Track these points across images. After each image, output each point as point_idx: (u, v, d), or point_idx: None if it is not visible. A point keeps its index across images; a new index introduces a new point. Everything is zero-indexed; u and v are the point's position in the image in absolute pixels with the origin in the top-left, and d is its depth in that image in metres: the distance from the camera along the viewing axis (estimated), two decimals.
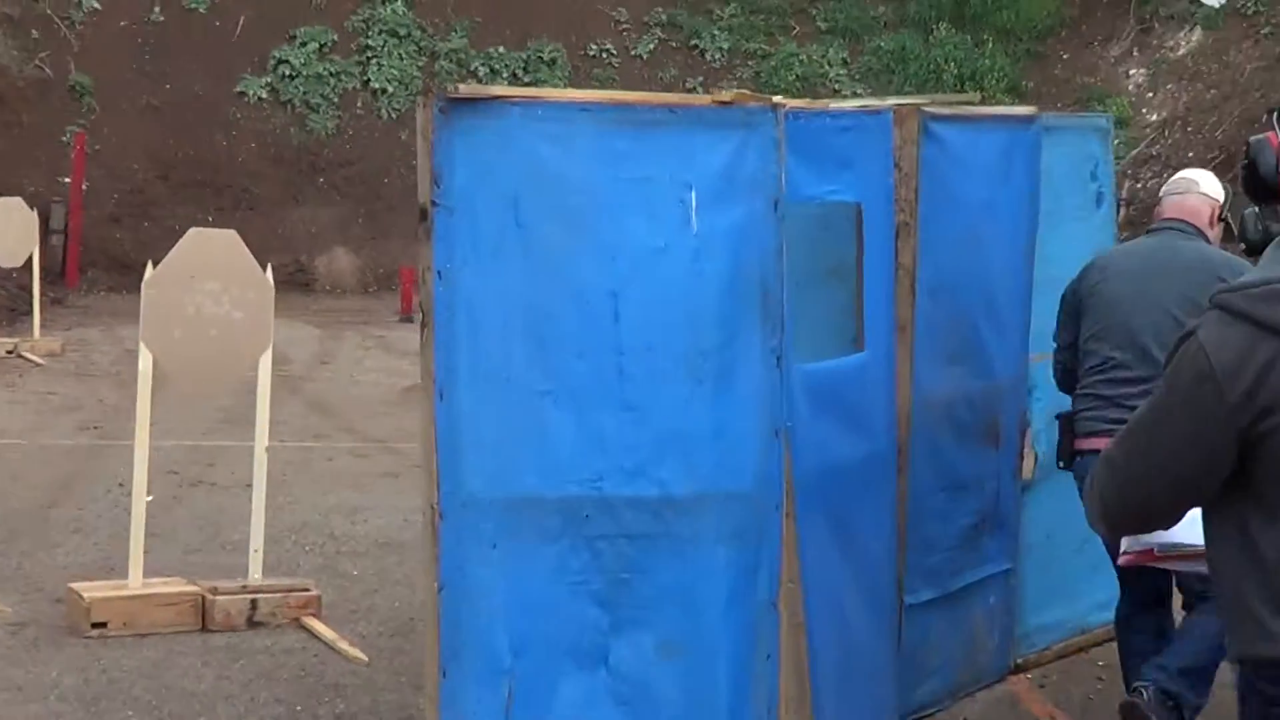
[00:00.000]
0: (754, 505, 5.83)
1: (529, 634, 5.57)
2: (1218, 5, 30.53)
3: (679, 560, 5.73)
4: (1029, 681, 7.59)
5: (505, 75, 29.07)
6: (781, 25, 32.19)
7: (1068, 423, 6.67)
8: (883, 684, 6.52)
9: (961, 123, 6.86)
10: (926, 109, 6.65)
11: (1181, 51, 30.75)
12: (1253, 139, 3.51)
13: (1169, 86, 30.13)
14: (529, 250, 5.52)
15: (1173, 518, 3.52)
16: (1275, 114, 3.51)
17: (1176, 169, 28.03)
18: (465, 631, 5.49)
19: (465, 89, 5.53)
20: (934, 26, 31.70)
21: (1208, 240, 6.62)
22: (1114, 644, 7.96)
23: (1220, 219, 6.69)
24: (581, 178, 5.58)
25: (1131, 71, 31.06)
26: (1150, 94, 30.21)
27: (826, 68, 31.08)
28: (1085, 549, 7.86)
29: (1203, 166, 27.50)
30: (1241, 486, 3.31)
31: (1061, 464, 6.70)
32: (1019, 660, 7.55)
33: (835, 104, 6.62)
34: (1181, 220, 6.64)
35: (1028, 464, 7.40)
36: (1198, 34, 30.76)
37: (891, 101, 6.76)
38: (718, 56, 31.28)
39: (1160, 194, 6.91)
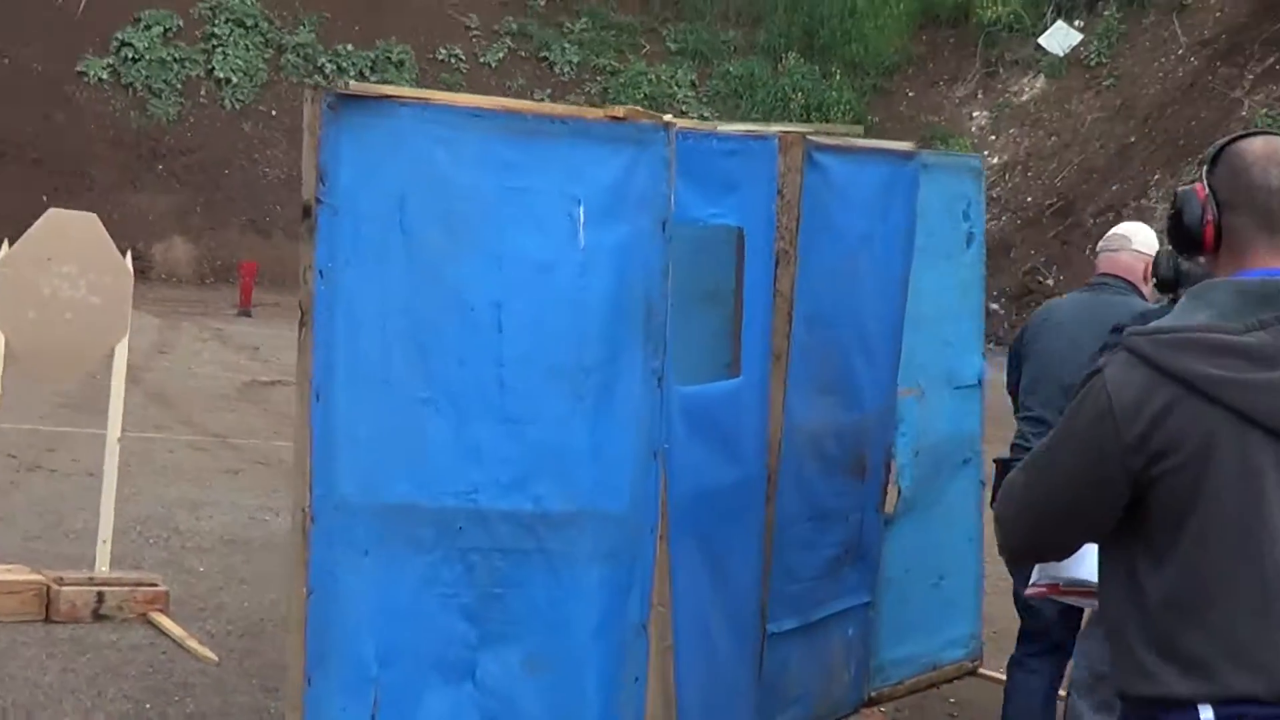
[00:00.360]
0: (629, 526, 5.78)
1: (397, 644, 5.46)
2: (1061, 54, 31.04)
3: (551, 577, 5.66)
4: (882, 715, 7.60)
5: (352, 73, 28.89)
6: (632, 43, 32.30)
7: (1004, 467, 6.69)
8: (744, 711, 6.49)
9: (844, 154, 6.86)
10: (811, 138, 6.63)
11: (1025, 97, 31.25)
12: (1180, 189, 3.56)
13: (1011, 131, 30.59)
14: (413, 254, 5.42)
15: (1063, 550, 3.63)
16: (1205, 166, 3.54)
17: (1015, 212, 28.57)
18: (332, 638, 5.37)
19: (356, 86, 5.42)
20: (783, 55, 31.98)
21: (1142, 295, 6.64)
22: (965, 681, 8.04)
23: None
24: (469, 184, 5.49)
25: (975, 113, 31.50)
26: (992, 137, 30.64)
27: (675, 88, 31.21)
28: (941, 585, 7.92)
29: (1040, 212, 28.08)
30: (1132, 529, 3.37)
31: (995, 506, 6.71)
32: (873, 693, 7.55)
33: (723, 126, 6.58)
34: (1114, 276, 6.68)
35: (890, 498, 7.41)
36: (1041, 81, 31.27)
37: (777, 128, 6.73)
38: (567, 70, 31.32)
39: (1097, 249, 6.95)
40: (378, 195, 5.35)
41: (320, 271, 5.28)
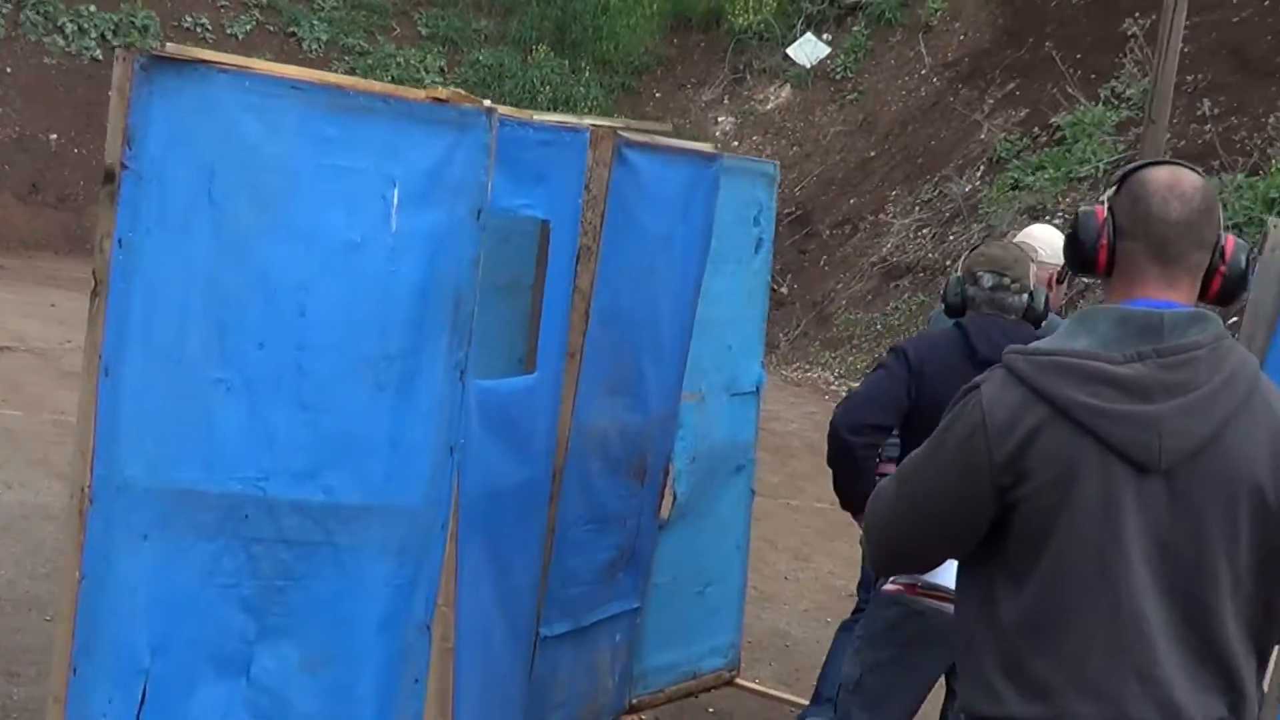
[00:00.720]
0: (420, 522, 5.59)
1: (171, 635, 5.22)
2: (809, 66, 31.32)
3: (337, 572, 5.45)
4: None
5: (94, 35, 28.05)
6: (382, 25, 31.88)
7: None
8: (514, 716, 6.34)
9: (652, 152, 6.73)
10: (623, 133, 6.50)
11: (770, 106, 31.45)
12: (1081, 209, 3.58)
13: (754, 138, 30.78)
14: (219, 228, 5.17)
15: (927, 563, 3.68)
16: (1111, 189, 3.58)
17: None
18: (102, 627, 5.11)
19: (172, 48, 5.17)
20: (533, 48, 31.80)
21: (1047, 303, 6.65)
22: (722, 690, 7.98)
23: (1060, 280, 6.79)
24: (283, 158, 5.25)
25: (720, 118, 31.65)
26: (736, 143, 30.78)
27: (423, 73, 30.84)
28: (706, 593, 7.84)
29: (779, 220, 28.26)
30: (994, 549, 3.40)
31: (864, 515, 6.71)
32: (634, 700, 7.45)
33: (539, 116, 6.41)
34: None
35: (666, 504, 7.31)
36: (787, 91, 31.52)
37: (589, 121, 6.59)
38: (315, 47, 30.79)
39: None
40: (186, 163, 5.10)
41: (119, 240, 5.01)
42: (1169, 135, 20.69)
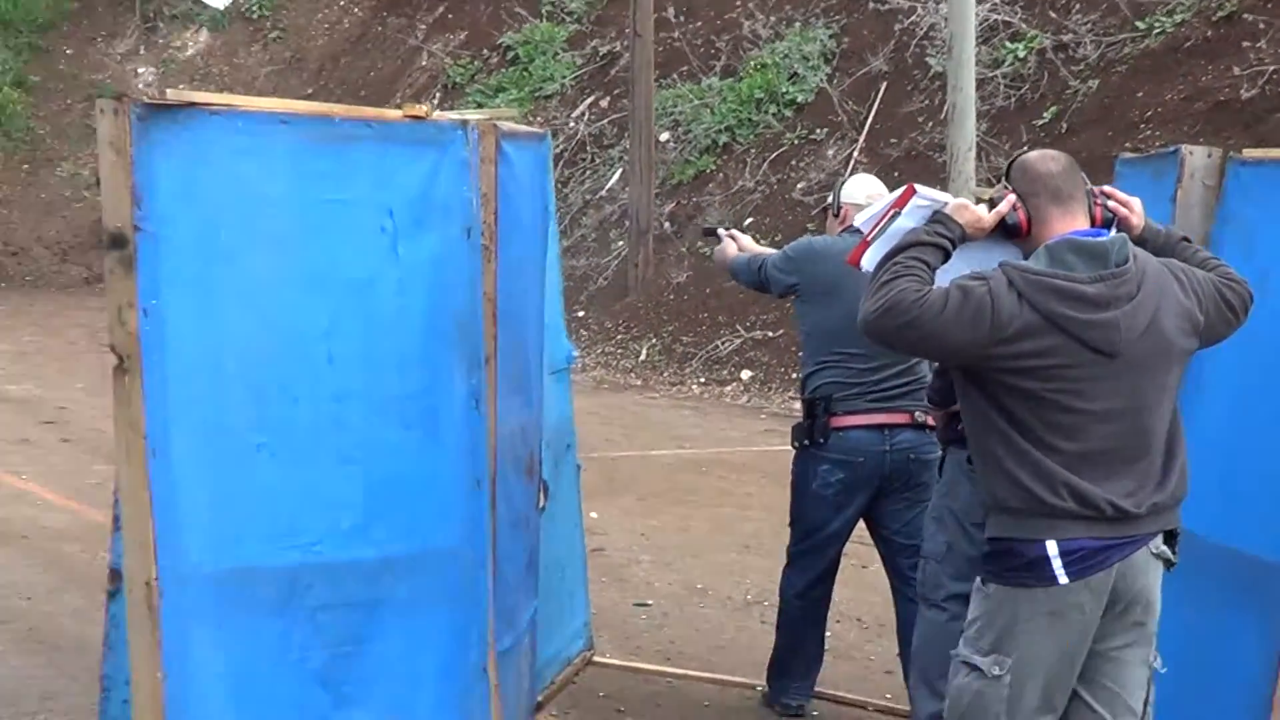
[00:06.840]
0: (463, 562, 5.33)
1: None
2: (221, 9, 30.63)
3: (401, 628, 5.14)
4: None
5: None
6: None
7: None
8: None
9: (516, 139, 6.49)
10: (501, 125, 6.24)
11: (190, 51, 30.66)
12: (993, 196, 4.94)
13: (182, 85, 29.91)
14: (237, 282, 4.80)
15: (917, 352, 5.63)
16: (1004, 178, 4.96)
17: None
18: None
19: (173, 94, 4.76)
20: None
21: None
22: (592, 672, 7.84)
23: None
24: (284, 199, 4.91)
25: (140, 69, 30.65)
26: (158, 93, 29.72)
27: None
28: (566, 576, 7.71)
29: None
30: (1008, 399, 4.72)
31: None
32: (539, 699, 7.25)
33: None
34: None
35: (541, 494, 7.11)
36: (205, 35, 30.76)
37: (474, 116, 6.29)
38: None
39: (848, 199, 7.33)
40: (195, 218, 4.72)
41: (144, 310, 4.60)
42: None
